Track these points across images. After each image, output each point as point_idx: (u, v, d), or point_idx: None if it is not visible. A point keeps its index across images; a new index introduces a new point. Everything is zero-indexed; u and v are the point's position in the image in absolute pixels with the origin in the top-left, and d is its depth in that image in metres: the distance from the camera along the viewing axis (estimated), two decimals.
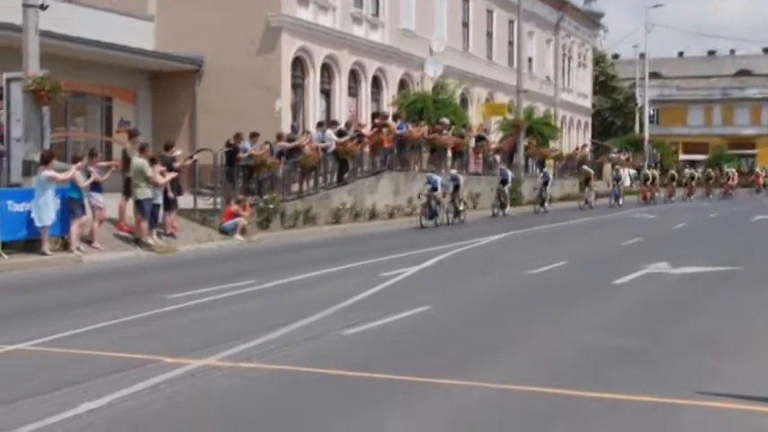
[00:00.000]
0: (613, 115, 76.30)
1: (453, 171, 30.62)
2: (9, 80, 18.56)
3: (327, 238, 23.40)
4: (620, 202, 40.70)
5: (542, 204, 35.70)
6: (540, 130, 45.02)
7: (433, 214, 27.18)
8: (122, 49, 27.52)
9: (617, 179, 42.14)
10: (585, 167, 41.98)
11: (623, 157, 56.74)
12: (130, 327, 10.34)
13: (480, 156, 37.72)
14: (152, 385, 7.49)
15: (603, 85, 74.50)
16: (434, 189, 27.34)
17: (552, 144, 47.69)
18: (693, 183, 49.52)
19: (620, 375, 8.14)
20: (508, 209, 33.11)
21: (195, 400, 7.24)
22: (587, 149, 54.20)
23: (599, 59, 72.44)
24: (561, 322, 10.96)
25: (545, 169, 39.72)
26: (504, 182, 33.45)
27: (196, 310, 11.58)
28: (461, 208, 29.28)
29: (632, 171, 52.86)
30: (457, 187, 29.24)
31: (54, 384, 7.52)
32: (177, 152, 21.97)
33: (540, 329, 10.46)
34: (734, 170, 56.45)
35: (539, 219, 31.38)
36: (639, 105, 73.25)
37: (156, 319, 10.89)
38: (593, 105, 67.13)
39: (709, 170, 54.71)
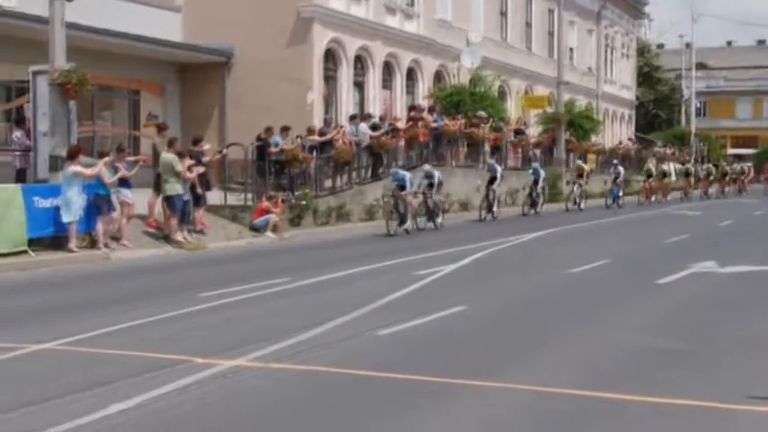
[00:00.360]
0: (658, 108, 74.87)
1: (427, 166, 25.79)
2: (35, 73, 18.40)
3: (361, 235, 23.14)
4: (620, 203, 35.93)
5: (533, 206, 31.00)
6: (581, 124, 44.14)
7: (401, 218, 23.10)
8: (150, 41, 27.22)
9: (616, 176, 37.33)
10: (579, 162, 37.47)
11: (668, 152, 55.75)
12: (161, 326, 10.25)
13: (519, 150, 37.25)
14: (182, 386, 7.43)
15: (648, 76, 73.08)
16: (402, 188, 23.39)
17: (594, 138, 46.87)
18: (710, 178, 48.19)
19: (663, 377, 7.93)
20: (496, 211, 28.38)
21: (226, 401, 7.15)
22: (630, 143, 53.46)
23: (643, 50, 71.20)
24: (602, 322, 10.75)
25: (534, 164, 33.38)
26: (492, 179, 28.67)
27: (228, 308, 11.45)
28: (437, 211, 25.00)
29: (678, 166, 51.65)
30: (431, 185, 24.77)
31: (83, 385, 7.45)
32: (206, 146, 21.75)
33: (580, 329, 10.25)
34: (749, 165, 55.30)
35: (532, 223, 26.91)
36: (685, 97, 71.59)
37: (187, 317, 10.78)
38: (637, 98, 66.00)
39: (724, 165, 53.35)
